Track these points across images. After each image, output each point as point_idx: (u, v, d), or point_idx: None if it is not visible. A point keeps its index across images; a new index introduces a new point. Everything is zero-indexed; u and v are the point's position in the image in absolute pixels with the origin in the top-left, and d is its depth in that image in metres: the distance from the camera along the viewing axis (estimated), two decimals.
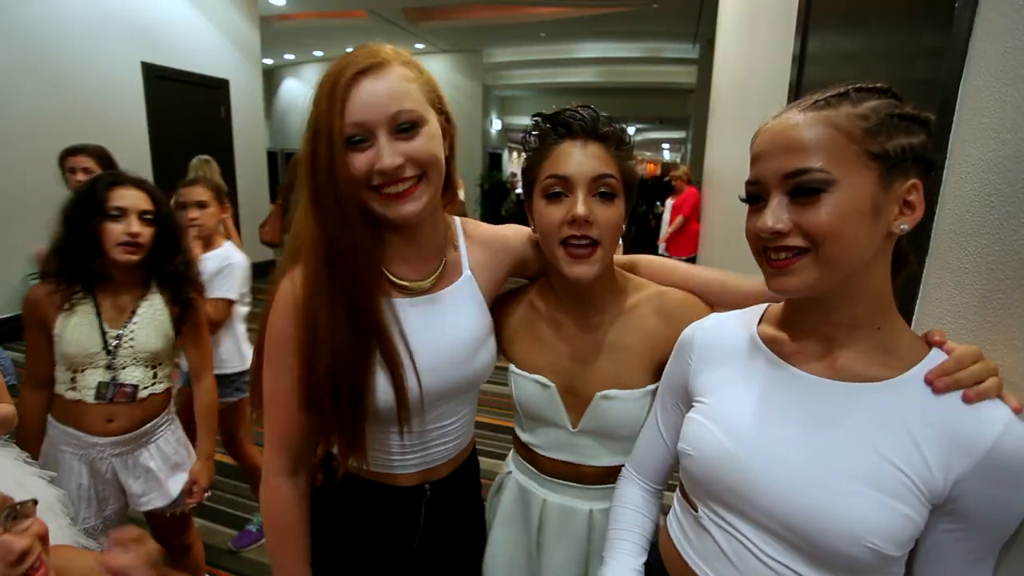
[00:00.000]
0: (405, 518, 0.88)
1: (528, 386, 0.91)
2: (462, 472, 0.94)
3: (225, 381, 1.93)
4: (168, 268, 1.38)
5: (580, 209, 0.78)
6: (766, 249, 0.60)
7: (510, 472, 1.01)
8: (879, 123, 0.55)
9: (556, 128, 0.83)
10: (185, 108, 5.19)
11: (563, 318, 0.91)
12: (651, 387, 0.87)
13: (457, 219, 0.92)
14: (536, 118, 0.86)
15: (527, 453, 0.96)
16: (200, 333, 1.51)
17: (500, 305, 0.97)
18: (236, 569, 1.98)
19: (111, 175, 1.34)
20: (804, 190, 0.55)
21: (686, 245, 5.20)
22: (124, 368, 1.33)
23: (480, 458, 1.04)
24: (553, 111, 0.85)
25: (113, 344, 1.31)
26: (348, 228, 0.72)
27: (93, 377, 1.30)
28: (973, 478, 0.52)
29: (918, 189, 0.56)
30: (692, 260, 5.18)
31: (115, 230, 1.27)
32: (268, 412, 0.81)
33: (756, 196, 0.61)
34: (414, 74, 0.74)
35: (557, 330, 0.91)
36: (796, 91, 1.72)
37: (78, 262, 1.28)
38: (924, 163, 0.57)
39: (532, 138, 0.86)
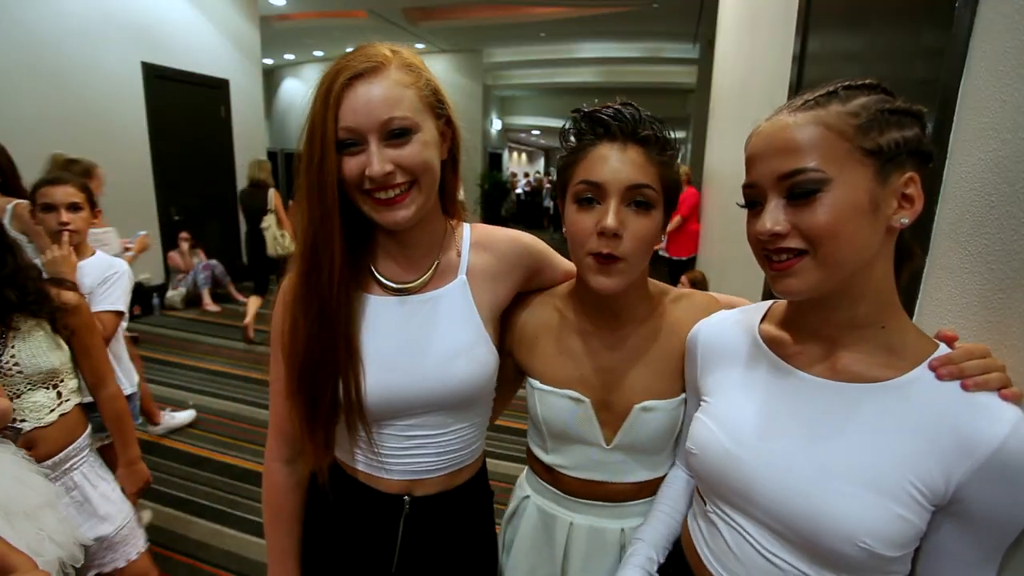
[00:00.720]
0: (382, 530, 0.84)
1: (558, 403, 0.84)
2: (457, 496, 0.87)
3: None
4: (5, 292, 1.20)
5: (610, 221, 0.72)
6: (767, 253, 0.60)
7: (527, 496, 0.94)
8: (870, 119, 0.55)
9: (594, 127, 0.77)
10: (185, 108, 5.19)
11: (592, 328, 0.86)
12: (684, 395, 0.84)
13: (467, 225, 0.89)
14: (575, 114, 0.80)
15: (549, 475, 0.90)
16: (88, 339, 1.35)
17: (518, 310, 0.91)
18: (236, 569, 1.98)
19: None
20: (800, 191, 0.55)
21: (686, 245, 5.20)
22: (19, 396, 1.22)
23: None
24: (593, 107, 0.78)
25: None
26: (326, 226, 0.74)
27: None
28: (978, 479, 0.52)
29: (915, 182, 0.56)
30: (692, 260, 5.20)
31: None
32: (270, 400, 0.86)
33: (753, 200, 0.61)
34: (411, 78, 0.73)
35: (586, 341, 0.86)
36: (796, 91, 1.71)
37: None
38: (920, 155, 0.57)
39: (568, 136, 0.80)
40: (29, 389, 1.24)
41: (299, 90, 11.49)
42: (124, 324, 1.87)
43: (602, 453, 0.85)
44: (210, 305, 5.18)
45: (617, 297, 0.81)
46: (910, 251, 0.63)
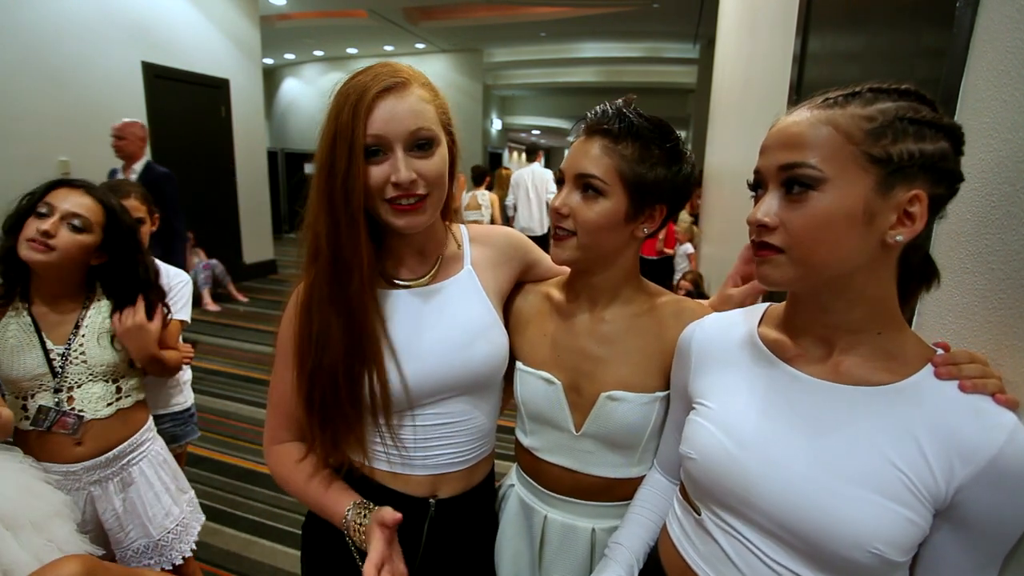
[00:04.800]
0: (406, 534, 0.84)
1: (533, 383, 0.89)
2: (473, 496, 0.92)
3: (184, 417, 1.75)
4: (117, 279, 1.26)
5: (555, 201, 0.84)
6: (753, 241, 0.60)
7: (512, 485, 0.99)
8: (884, 125, 0.53)
9: (580, 122, 0.86)
10: (185, 108, 5.18)
11: (573, 312, 0.90)
12: (660, 394, 0.85)
13: (463, 227, 0.96)
14: None
15: (529, 461, 0.94)
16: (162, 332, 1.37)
17: (515, 298, 0.97)
18: (237, 569, 1.98)
19: (65, 179, 1.23)
20: (794, 184, 0.56)
21: (654, 245, 5.34)
22: (80, 386, 1.22)
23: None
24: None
25: (58, 363, 1.19)
26: (353, 229, 0.76)
27: (44, 400, 1.19)
28: (976, 485, 0.52)
29: (921, 201, 0.54)
30: (671, 259, 5.35)
31: (30, 228, 1.15)
32: (272, 393, 0.88)
33: (758, 185, 0.62)
34: (431, 95, 0.79)
35: (566, 324, 0.90)
36: (796, 91, 1.71)
37: (8, 269, 1.17)
38: (938, 173, 0.54)
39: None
40: (90, 380, 1.24)
41: (299, 90, 11.48)
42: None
43: (571, 439, 0.88)
44: (210, 305, 5.18)
45: (597, 280, 0.88)
46: (930, 274, 0.63)
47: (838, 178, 0.54)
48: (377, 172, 0.75)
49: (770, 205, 0.58)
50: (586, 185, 0.81)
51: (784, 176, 0.57)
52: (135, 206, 1.64)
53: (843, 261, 0.56)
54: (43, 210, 1.17)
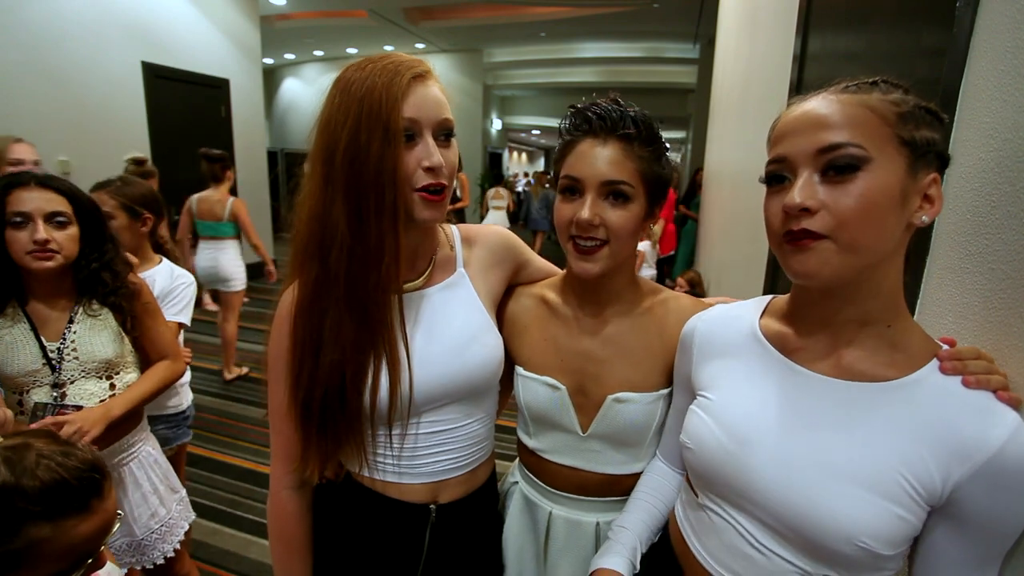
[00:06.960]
0: (408, 540, 0.85)
1: (537, 389, 0.88)
2: (475, 500, 0.90)
3: (178, 420, 1.73)
4: (85, 273, 1.24)
5: (585, 213, 0.78)
6: (788, 233, 0.57)
7: (516, 482, 0.99)
8: (909, 111, 0.55)
9: (580, 124, 0.82)
10: (185, 108, 5.18)
11: (575, 315, 0.89)
12: (664, 391, 0.85)
13: (454, 227, 0.93)
14: (570, 109, 0.85)
15: (533, 461, 0.94)
16: (150, 323, 1.35)
17: (510, 303, 0.95)
18: (236, 569, 1.98)
19: (8, 177, 1.18)
20: (839, 166, 0.54)
21: (668, 243, 5.34)
22: (73, 383, 1.22)
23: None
24: (584, 103, 0.83)
25: (55, 358, 1.20)
26: (383, 217, 0.72)
27: (39, 396, 1.20)
28: (975, 483, 0.52)
29: (937, 183, 0.56)
30: (671, 259, 5.35)
31: (20, 238, 1.14)
32: (272, 425, 0.84)
33: (779, 176, 0.59)
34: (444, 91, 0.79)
35: (568, 327, 0.89)
36: (797, 91, 1.71)
37: None
38: (942, 160, 0.57)
39: (562, 130, 0.86)
40: (83, 377, 1.24)
41: (299, 90, 11.48)
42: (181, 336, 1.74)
43: (579, 440, 0.88)
44: (210, 305, 5.15)
45: (600, 283, 0.85)
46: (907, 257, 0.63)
47: (880, 157, 0.54)
48: (410, 156, 0.72)
49: (809, 189, 0.55)
50: (614, 192, 0.78)
51: (826, 159, 0.54)
52: (103, 199, 1.58)
53: (885, 243, 0.56)
54: (18, 219, 1.14)
